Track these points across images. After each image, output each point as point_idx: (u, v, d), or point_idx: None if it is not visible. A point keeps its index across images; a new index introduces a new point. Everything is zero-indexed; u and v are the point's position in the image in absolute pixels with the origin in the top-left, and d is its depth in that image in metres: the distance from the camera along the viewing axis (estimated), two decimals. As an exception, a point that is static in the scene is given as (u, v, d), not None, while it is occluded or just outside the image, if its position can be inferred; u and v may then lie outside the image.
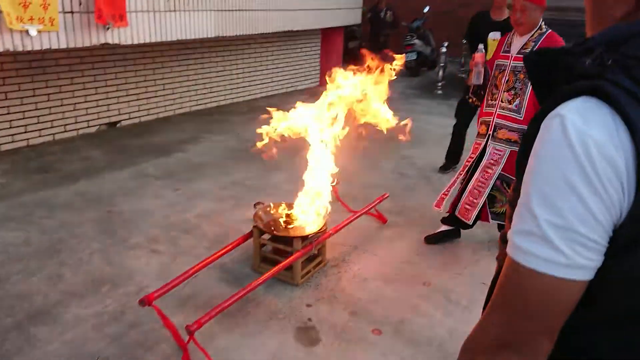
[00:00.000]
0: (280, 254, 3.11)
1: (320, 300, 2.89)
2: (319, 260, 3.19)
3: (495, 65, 3.34)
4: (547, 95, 0.71)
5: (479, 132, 3.44)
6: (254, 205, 3.27)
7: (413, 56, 10.57)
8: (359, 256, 3.39)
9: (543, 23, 3.17)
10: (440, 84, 9.02)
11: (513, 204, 0.73)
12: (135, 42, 4.61)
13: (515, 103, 3.18)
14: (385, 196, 3.87)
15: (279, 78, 8.14)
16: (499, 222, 3.45)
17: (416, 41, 10.64)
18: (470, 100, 3.59)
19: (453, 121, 5.14)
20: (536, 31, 3.15)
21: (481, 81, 3.31)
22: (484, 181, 3.32)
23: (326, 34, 8.78)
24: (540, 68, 0.74)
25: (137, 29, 4.57)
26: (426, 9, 11.09)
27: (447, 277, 3.18)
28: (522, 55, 3.15)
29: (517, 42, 3.21)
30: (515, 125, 3.17)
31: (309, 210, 3.25)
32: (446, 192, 3.57)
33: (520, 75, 3.17)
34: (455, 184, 3.53)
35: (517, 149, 3.18)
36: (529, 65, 0.76)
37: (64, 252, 3.24)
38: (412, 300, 2.93)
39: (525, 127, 3.16)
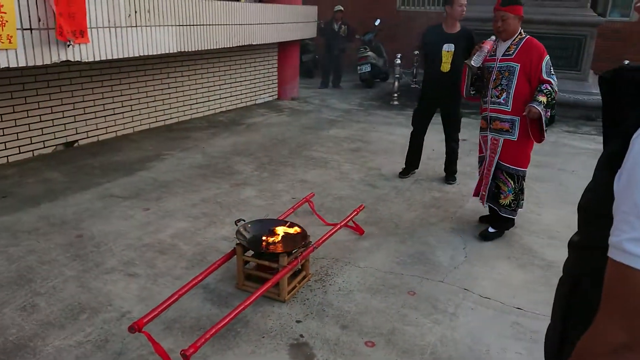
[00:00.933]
0: (264, 271, 3.07)
1: (309, 315, 2.87)
2: (303, 275, 3.17)
3: (483, 68, 3.83)
4: (618, 113, 0.74)
5: (481, 127, 3.95)
6: (235, 222, 3.21)
7: (367, 68, 10.77)
8: (341, 269, 3.39)
9: (522, 31, 3.67)
10: (395, 94, 9.19)
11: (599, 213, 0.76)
12: (97, 58, 4.46)
13: (502, 97, 3.67)
14: (362, 207, 3.90)
15: (237, 92, 8.08)
16: (500, 212, 3.85)
17: (369, 53, 10.84)
18: (472, 93, 3.97)
19: None
20: (517, 36, 3.65)
21: (479, 63, 3.74)
22: (489, 170, 3.85)
23: (283, 47, 8.81)
24: (615, 85, 0.77)
25: (99, 45, 4.43)
26: (377, 22, 11.34)
27: (430, 285, 3.23)
28: (506, 57, 3.65)
29: (501, 47, 3.72)
30: (506, 117, 3.69)
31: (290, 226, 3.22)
32: (484, 185, 3.94)
33: (506, 74, 3.65)
34: (481, 173, 4.00)
35: (509, 137, 3.70)
36: (604, 83, 0.79)
37: (35, 281, 3.07)
38: (399, 310, 2.95)
39: (513, 117, 3.66)
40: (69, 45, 4.09)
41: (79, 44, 4.19)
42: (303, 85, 10.19)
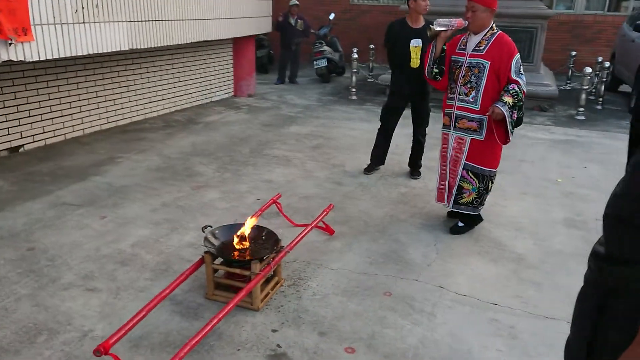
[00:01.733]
0: (235, 279, 2.93)
1: (284, 323, 2.75)
2: (275, 280, 3.05)
3: (452, 62, 3.69)
4: None
5: (443, 124, 3.83)
6: (202, 229, 3.05)
7: (324, 63, 10.68)
8: (314, 272, 3.29)
9: (494, 24, 3.54)
10: (354, 89, 9.14)
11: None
12: (42, 57, 4.16)
13: (471, 95, 3.57)
14: (331, 207, 3.80)
15: (192, 90, 7.82)
16: (461, 211, 3.80)
17: (326, 48, 10.75)
18: (434, 73, 3.80)
19: (376, 125, 5.21)
20: (488, 31, 3.53)
21: (442, 28, 3.60)
22: (454, 170, 3.75)
23: (238, 43, 8.59)
24: None
25: (44, 44, 4.13)
26: (332, 16, 11.27)
27: (405, 285, 3.17)
28: (476, 53, 3.52)
29: (472, 41, 3.58)
30: (474, 116, 3.58)
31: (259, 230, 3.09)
32: (442, 186, 3.86)
33: (475, 71, 3.53)
34: (445, 176, 3.85)
35: (476, 137, 3.59)
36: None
37: (-17, 302, 2.83)
38: (377, 312, 2.88)
39: (482, 116, 3.56)
40: (10, 44, 3.79)
41: (22, 42, 3.89)
42: (259, 81, 9.99)
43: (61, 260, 3.29)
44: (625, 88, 10.43)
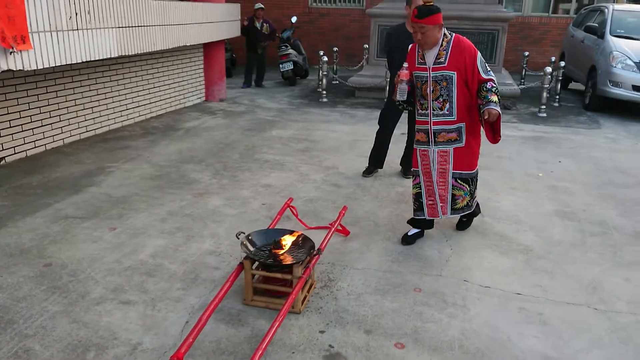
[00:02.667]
0: (271, 284, 2.97)
1: (329, 324, 2.82)
2: (309, 283, 3.11)
3: (414, 77, 3.58)
4: None
5: (419, 140, 3.72)
6: (236, 235, 3.06)
7: (290, 66, 10.74)
8: (341, 272, 3.36)
9: (446, 31, 3.44)
10: (324, 92, 9.25)
11: None
12: (40, 66, 4.01)
13: (446, 108, 3.51)
14: (345, 209, 3.88)
15: (167, 96, 7.69)
16: (459, 214, 3.85)
17: (291, 51, 10.82)
18: (399, 107, 3.89)
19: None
20: (443, 41, 3.41)
21: (404, 97, 3.55)
22: (443, 182, 3.68)
23: (208, 47, 8.51)
24: None
25: (41, 52, 3.98)
26: (294, 19, 11.33)
27: (432, 280, 3.30)
28: (439, 66, 3.43)
29: (430, 54, 3.45)
30: (452, 127, 3.54)
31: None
32: (432, 200, 3.77)
33: (444, 83, 3.46)
34: (432, 191, 3.74)
35: (458, 145, 3.55)
36: None
37: (17, 322, 2.72)
38: (413, 308, 2.99)
39: (459, 124, 3.53)
40: (11, 52, 3.64)
41: (21, 50, 3.74)
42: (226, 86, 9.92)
43: (84, 275, 3.21)
44: (575, 86, 11.10)
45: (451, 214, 3.81)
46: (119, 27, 5.03)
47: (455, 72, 3.41)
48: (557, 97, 9.43)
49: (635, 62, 8.24)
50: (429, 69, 3.46)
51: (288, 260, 2.93)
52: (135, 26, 5.38)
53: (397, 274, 3.37)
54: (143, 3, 5.52)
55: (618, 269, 3.55)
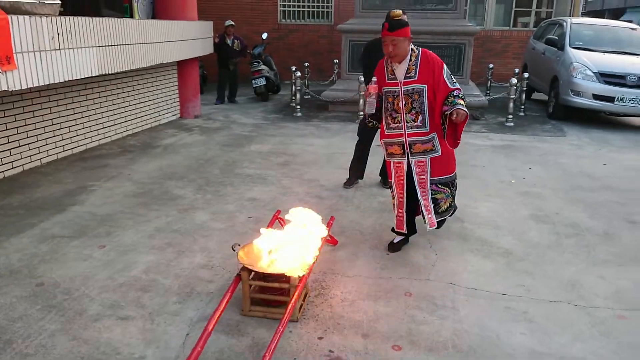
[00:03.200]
0: (267, 293, 3.04)
1: (327, 330, 2.91)
2: (305, 292, 3.19)
3: (384, 93, 3.69)
4: None
5: (393, 153, 3.77)
6: (232, 247, 3.13)
7: (262, 82, 10.85)
8: (333, 280, 3.46)
9: (413, 46, 3.60)
10: (298, 106, 9.38)
11: None
12: (24, 86, 4.00)
13: (419, 120, 3.62)
14: (332, 219, 3.99)
15: (142, 114, 7.68)
16: (443, 218, 3.93)
17: (263, 67, 10.94)
18: (369, 125, 3.97)
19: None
20: (411, 55, 3.56)
21: (373, 110, 3.65)
22: (424, 191, 3.76)
23: (182, 65, 8.55)
24: None
25: (25, 72, 3.98)
26: (264, 36, 11.46)
27: (421, 285, 3.43)
28: (409, 80, 3.56)
29: (400, 69, 3.59)
30: (426, 137, 3.65)
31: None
32: (401, 214, 3.86)
33: (415, 96, 3.58)
34: (402, 204, 3.83)
35: (434, 155, 3.66)
36: None
37: (15, 341, 2.72)
38: (406, 311, 3.11)
39: (433, 134, 3.64)
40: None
41: (6, 71, 3.73)
42: (200, 102, 9.95)
43: (79, 293, 3.21)
44: (538, 96, 11.56)
45: (436, 218, 3.86)
46: (99, 46, 5.05)
47: (426, 85, 3.54)
48: (523, 107, 9.81)
49: (594, 72, 8.67)
50: (400, 83, 3.58)
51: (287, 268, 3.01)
52: (114, 45, 5.40)
53: (387, 280, 3.49)
54: (122, 22, 5.55)
55: (593, 267, 3.75)
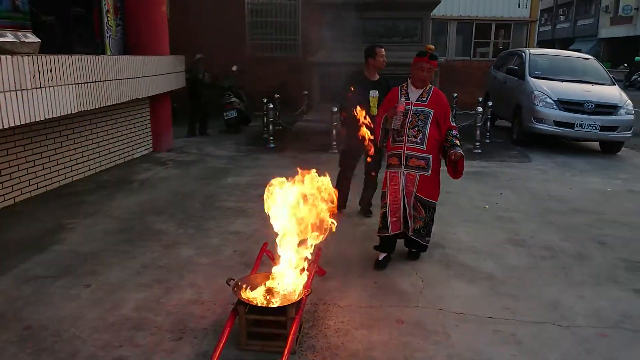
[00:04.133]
0: (264, 327, 3.06)
1: (325, 361, 2.94)
2: (300, 323, 3.22)
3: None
4: None
5: (390, 164, 4.23)
6: (227, 282, 3.14)
7: (234, 114, 10.92)
8: (326, 311, 3.50)
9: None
10: (272, 137, 9.46)
11: None
12: (6, 125, 3.95)
13: (419, 137, 4.12)
14: (321, 250, 4.04)
15: (115, 149, 7.62)
16: (415, 238, 4.22)
17: (234, 99, 11.02)
18: (380, 146, 4.38)
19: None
20: (427, 86, 4.19)
21: (399, 127, 4.12)
22: (409, 200, 4.16)
23: (154, 98, 8.55)
24: None
25: (7, 111, 3.94)
26: (234, 68, 11.58)
27: (411, 312, 3.51)
28: (420, 103, 4.12)
29: (415, 93, 4.20)
30: (422, 155, 4.12)
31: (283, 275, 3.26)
32: (397, 216, 4.18)
33: (421, 117, 4.12)
34: (398, 208, 4.16)
35: (424, 173, 4.07)
36: None
37: (9, 388, 2.65)
38: (400, 338, 3.18)
39: (428, 155, 4.09)
40: (-21, 114, 3.61)
41: (-12, 111, 3.71)
42: (172, 135, 9.93)
43: (69, 334, 3.16)
44: (500, 123, 12.00)
45: (412, 236, 4.22)
46: (78, 84, 5.05)
47: (432, 111, 4.10)
48: (488, 134, 10.17)
49: (554, 100, 9.12)
50: (412, 104, 4.14)
51: (284, 302, 3.05)
52: (92, 82, 5.40)
53: (377, 308, 3.56)
54: (99, 59, 5.56)
55: (571, 287, 3.92)
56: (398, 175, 4.14)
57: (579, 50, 16.01)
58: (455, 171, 4.23)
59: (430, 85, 4.21)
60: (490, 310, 3.54)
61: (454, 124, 4.23)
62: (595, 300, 3.72)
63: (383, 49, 5.14)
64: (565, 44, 40.96)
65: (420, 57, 4.17)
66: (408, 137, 4.12)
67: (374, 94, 5.05)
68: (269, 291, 3.15)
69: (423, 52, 4.24)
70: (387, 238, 4.22)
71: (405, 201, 4.16)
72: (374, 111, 5.02)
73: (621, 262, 4.42)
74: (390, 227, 4.18)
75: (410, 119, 4.11)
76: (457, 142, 4.14)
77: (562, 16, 46.32)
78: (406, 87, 4.24)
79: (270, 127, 9.49)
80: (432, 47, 4.37)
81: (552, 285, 3.96)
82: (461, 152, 4.13)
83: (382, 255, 4.26)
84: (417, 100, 4.15)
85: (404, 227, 4.18)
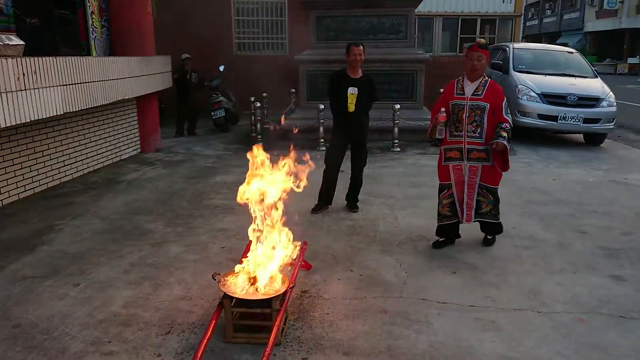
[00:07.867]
0: (249, 319, 3.13)
1: (310, 351, 3.02)
2: (285, 315, 3.29)
3: (452, 105, 4.33)
4: None
5: (451, 157, 4.41)
6: (213, 277, 3.21)
7: (222, 113, 10.96)
8: (311, 303, 3.58)
9: (485, 74, 4.28)
10: (259, 136, 9.51)
11: None
12: (-9, 128, 4.00)
13: (478, 131, 4.27)
14: (306, 244, 4.12)
15: (103, 150, 7.64)
16: (483, 219, 4.48)
17: (222, 99, 11.07)
18: (432, 143, 4.74)
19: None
20: (482, 79, 4.26)
21: (442, 136, 4.32)
22: (471, 192, 4.36)
23: (141, 99, 8.57)
24: None
25: (-8, 114, 3.98)
26: (221, 68, 11.61)
27: (394, 302, 3.59)
28: (476, 97, 4.22)
29: (470, 87, 4.29)
30: (482, 147, 4.30)
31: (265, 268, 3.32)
32: (468, 206, 4.43)
33: (477, 111, 4.25)
34: (463, 200, 4.40)
35: (486, 163, 4.28)
36: None
37: (-1, 384, 2.70)
38: (383, 328, 3.26)
39: (487, 147, 4.26)
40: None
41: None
42: (160, 136, 9.95)
43: (58, 332, 3.21)
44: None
45: (475, 219, 4.45)
46: (63, 85, 5.08)
47: (488, 104, 4.20)
48: (474, 128, 10.27)
49: (537, 94, 9.25)
50: (467, 98, 4.23)
51: (268, 294, 3.11)
52: (77, 83, 5.43)
53: (361, 299, 3.64)
54: (85, 60, 5.59)
55: (551, 275, 4.03)
56: (462, 167, 4.34)
57: (565, 44, 16.18)
58: (504, 163, 4.31)
59: (487, 78, 4.26)
60: (471, 298, 3.64)
61: (507, 116, 4.23)
62: (574, 287, 3.83)
63: (361, 47, 5.16)
64: (552, 38, 41.32)
65: (469, 49, 4.27)
66: (467, 132, 4.26)
67: (352, 90, 5.11)
68: (254, 284, 3.21)
69: (472, 44, 4.34)
70: (446, 225, 4.51)
71: (466, 193, 4.37)
72: (351, 108, 5.11)
73: (600, 250, 4.53)
74: (463, 216, 4.44)
75: (467, 114, 4.23)
76: (503, 133, 4.18)
77: (548, 10, 46.70)
78: (462, 81, 4.31)
79: (258, 125, 9.54)
80: (483, 40, 4.47)
81: (533, 273, 4.06)
82: (504, 142, 4.15)
83: (441, 239, 4.57)
84: (472, 95, 4.22)
85: (466, 219, 4.45)
